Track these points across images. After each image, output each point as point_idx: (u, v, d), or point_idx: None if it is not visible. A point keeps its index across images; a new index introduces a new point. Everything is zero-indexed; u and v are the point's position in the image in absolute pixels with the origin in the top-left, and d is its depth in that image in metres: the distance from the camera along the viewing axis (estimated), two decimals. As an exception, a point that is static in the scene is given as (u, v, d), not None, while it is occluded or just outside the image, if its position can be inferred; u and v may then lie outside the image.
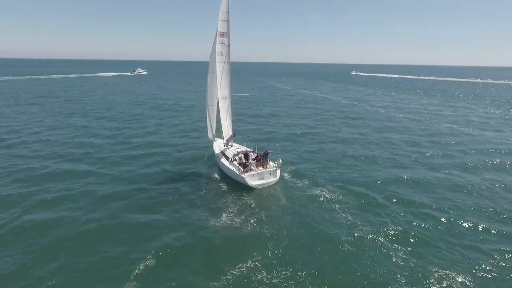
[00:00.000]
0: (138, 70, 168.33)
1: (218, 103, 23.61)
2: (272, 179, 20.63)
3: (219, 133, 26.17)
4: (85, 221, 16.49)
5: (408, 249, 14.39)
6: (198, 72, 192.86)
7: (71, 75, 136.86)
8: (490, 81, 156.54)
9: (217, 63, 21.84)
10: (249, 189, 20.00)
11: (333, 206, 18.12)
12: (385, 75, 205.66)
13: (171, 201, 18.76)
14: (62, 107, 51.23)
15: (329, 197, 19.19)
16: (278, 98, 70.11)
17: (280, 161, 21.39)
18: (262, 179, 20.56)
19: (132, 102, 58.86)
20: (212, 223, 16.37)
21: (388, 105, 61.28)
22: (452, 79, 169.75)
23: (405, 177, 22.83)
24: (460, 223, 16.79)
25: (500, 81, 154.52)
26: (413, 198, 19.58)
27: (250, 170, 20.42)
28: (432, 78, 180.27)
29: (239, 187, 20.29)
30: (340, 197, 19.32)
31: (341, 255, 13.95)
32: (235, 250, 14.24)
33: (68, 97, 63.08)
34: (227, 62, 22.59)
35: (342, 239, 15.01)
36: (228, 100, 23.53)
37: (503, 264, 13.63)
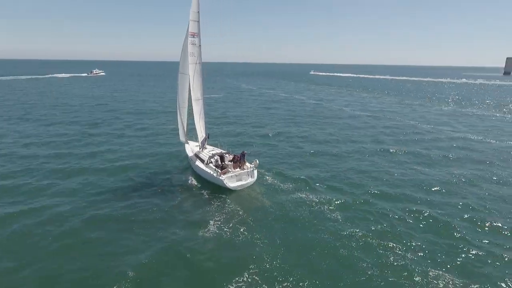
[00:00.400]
0: (96, 71, 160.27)
1: (189, 105, 23.17)
2: (250, 180, 20.59)
3: (190, 135, 25.63)
4: (44, 242, 14.51)
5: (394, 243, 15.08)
6: (162, 73, 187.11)
7: (21, 77, 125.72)
8: (443, 79, 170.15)
9: (189, 64, 21.31)
10: (227, 191, 19.78)
11: (317, 206, 18.29)
12: (341, 74, 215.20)
13: (146, 212, 17.45)
14: (11, 112, 46.86)
15: (311, 197, 19.37)
16: (245, 99, 70.20)
17: (257, 161, 21.40)
18: (240, 180, 20.44)
19: (91, 105, 55.50)
20: (200, 234, 15.32)
21: (351, 104, 64.00)
22: (405, 78, 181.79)
23: (376, 172, 24.01)
24: (448, 219, 17.29)
25: (452, 80, 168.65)
26: (383, 191, 20.62)
27: (227, 172, 20.21)
28: (388, 77, 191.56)
29: (217, 190, 19.96)
30: (321, 195, 19.67)
31: (340, 260, 13.70)
32: (229, 264, 13.34)
33: (17, 101, 57.90)
34: (199, 63, 22.16)
35: (338, 243, 14.72)
36: (201, 101, 23.10)
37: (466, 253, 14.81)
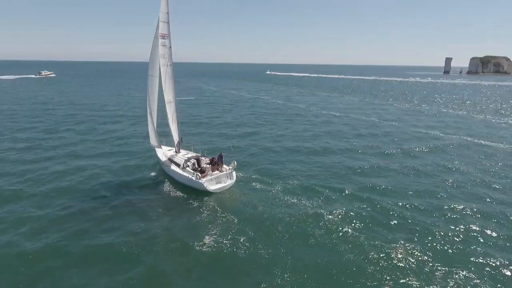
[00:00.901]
0: (45, 72, 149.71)
1: (158, 108, 22.56)
2: (229, 182, 20.50)
3: (161, 139, 24.79)
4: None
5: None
6: (120, 75, 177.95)
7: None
8: (394, 78, 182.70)
9: (161, 66, 20.67)
10: (206, 194, 19.52)
11: (297, 202, 18.84)
12: (294, 74, 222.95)
13: (124, 225, 16.24)
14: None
15: (290, 195, 19.79)
16: (211, 100, 69.36)
17: (235, 163, 21.38)
18: (220, 183, 20.29)
19: (43, 109, 51.33)
20: (197, 248, 14.41)
21: (316, 103, 66.16)
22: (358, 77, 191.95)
23: (349, 166, 25.23)
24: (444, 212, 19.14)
25: (404, 79, 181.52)
26: (357, 182, 21.77)
27: (207, 175, 19.97)
28: (342, 76, 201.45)
29: (195, 194, 19.57)
30: (299, 192, 20.21)
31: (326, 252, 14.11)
32: (239, 281, 12.61)
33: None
34: (170, 65, 21.58)
35: (349, 254, 14.16)
36: (173, 104, 22.51)
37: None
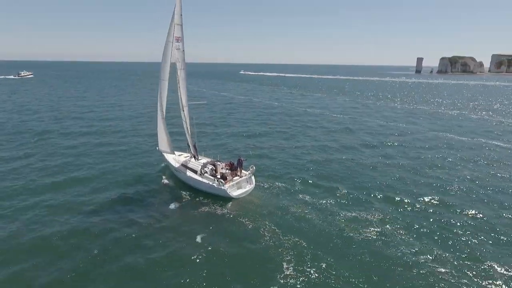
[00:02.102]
0: (24, 73, 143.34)
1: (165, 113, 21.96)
2: (250, 187, 20.19)
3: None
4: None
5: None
6: (101, 75, 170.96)
7: None
8: (355, 77, 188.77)
9: (177, 70, 20.08)
10: (226, 200, 19.11)
11: (319, 204, 18.89)
12: (267, 73, 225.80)
13: (152, 239, 15.50)
14: None
15: (310, 196, 19.89)
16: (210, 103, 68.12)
17: (254, 167, 21.08)
18: (240, 188, 19.95)
19: (27, 113, 48.37)
20: (237, 255, 14.16)
21: (310, 104, 66.68)
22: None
23: (335, 159, 25.57)
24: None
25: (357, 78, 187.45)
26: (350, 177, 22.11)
27: (229, 181, 19.57)
28: (315, 76, 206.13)
29: (215, 200, 19.12)
30: (317, 193, 20.34)
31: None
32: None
33: None
34: (183, 68, 20.99)
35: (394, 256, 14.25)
36: (187, 109, 21.91)
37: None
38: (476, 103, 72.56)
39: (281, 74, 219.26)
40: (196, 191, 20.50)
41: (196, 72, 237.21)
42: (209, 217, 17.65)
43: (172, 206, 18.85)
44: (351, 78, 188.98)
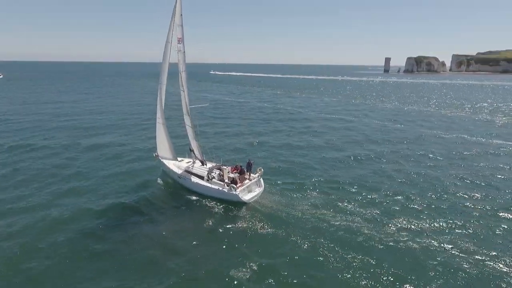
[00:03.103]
0: None
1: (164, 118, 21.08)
2: (259, 190, 19.68)
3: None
4: None
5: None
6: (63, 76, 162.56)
7: None
8: (350, 78, 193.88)
9: (180, 73, 19.23)
10: (238, 205, 18.46)
11: (332, 206, 18.73)
12: (234, 73, 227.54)
13: (169, 253, 14.74)
14: None
15: (322, 198, 19.71)
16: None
17: (262, 169, 20.58)
18: (251, 191, 19.40)
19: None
20: (260, 261, 13.57)
21: (297, 104, 67.04)
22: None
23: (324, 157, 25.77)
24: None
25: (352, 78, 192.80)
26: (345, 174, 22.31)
27: (240, 185, 18.95)
28: (288, 76, 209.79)
29: (225, 206, 18.41)
30: (326, 193, 20.23)
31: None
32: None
33: None
34: (185, 71, 20.17)
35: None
36: (187, 113, 21.05)
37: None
38: (466, 102, 76.29)
39: (247, 74, 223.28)
40: (203, 197, 19.65)
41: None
42: (220, 225, 16.79)
43: (180, 215, 17.89)
44: (320, 77, 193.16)
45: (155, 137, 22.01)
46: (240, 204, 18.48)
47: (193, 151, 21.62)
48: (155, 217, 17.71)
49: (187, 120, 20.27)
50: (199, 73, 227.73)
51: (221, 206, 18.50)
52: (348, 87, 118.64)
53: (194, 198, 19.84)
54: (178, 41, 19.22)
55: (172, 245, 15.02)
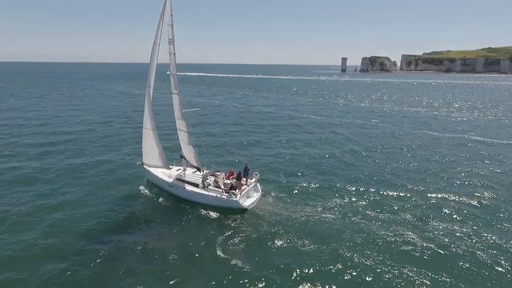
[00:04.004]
0: None
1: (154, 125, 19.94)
2: (257, 195, 19.36)
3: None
4: None
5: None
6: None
7: None
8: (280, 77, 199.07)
9: (171, 76, 18.22)
10: (238, 212, 18.01)
11: (330, 208, 18.97)
12: (187, 73, 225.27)
13: (171, 266, 14.14)
14: None
15: (316, 200, 19.90)
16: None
17: (258, 174, 20.28)
18: (249, 197, 19.02)
19: None
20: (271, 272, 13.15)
21: (271, 104, 67.23)
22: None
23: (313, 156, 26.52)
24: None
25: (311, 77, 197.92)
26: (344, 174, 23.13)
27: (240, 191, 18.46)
28: (255, 76, 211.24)
29: (223, 213, 17.86)
30: (327, 192, 20.50)
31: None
32: None
33: None
34: (176, 74, 19.19)
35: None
36: (181, 118, 20.06)
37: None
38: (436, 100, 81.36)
39: (200, 74, 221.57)
40: (198, 206, 18.87)
41: (118, 72, 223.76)
42: (221, 234, 16.19)
43: (176, 226, 16.99)
44: (268, 77, 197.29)
45: (135, 144, 20.67)
46: (239, 211, 18.03)
47: (184, 157, 20.65)
48: (147, 231, 16.61)
49: (180, 125, 19.28)
50: (157, 73, 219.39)
51: (218, 214, 17.90)
52: (313, 87, 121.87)
53: (187, 207, 19.01)
54: (169, 42, 18.19)
55: (172, 260, 14.17)
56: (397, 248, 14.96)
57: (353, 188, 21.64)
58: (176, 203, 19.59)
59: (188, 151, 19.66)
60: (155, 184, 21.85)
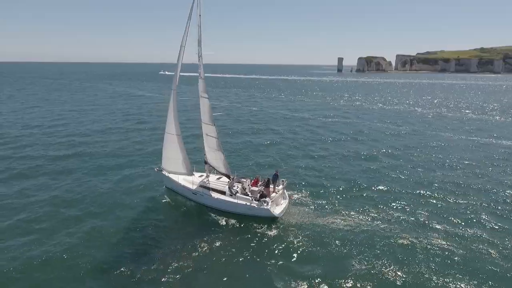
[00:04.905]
0: None
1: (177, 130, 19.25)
2: (286, 202, 18.77)
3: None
4: None
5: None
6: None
7: None
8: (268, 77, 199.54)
9: (199, 79, 17.54)
10: (267, 221, 17.41)
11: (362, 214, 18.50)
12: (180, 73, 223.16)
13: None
14: None
15: (350, 205, 19.40)
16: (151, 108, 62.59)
17: (286, 181, 19.71)
18: (278, 205, 18.43)
19: None
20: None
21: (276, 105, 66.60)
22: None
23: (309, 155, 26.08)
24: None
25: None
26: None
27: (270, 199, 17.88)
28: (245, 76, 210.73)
29: (251, 222, 17.24)
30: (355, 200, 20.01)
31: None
32: None
33: None
34: (203, 77, 18.49)
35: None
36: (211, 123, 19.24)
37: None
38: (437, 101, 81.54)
39: (192, 74, 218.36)
40: (224, 214, 18.24)
41: (118, 73, 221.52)
42: (251, 244, 15.60)
43: (205, 235, 16.25)
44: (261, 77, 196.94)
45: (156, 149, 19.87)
46: (268, 219, 17.44)
47: (208, 163, 19.97)
48: (175, 240, 15.95)
49: (208, 130, 18.51)
50: (147, 74, 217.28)
51: (246, 223, 17.29)
52: (317, 87, 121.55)
53: (213, 215, 18.36)
54: (198, 44, 17.48)
55: (203, 271, 13.57)
56: (445, 264, 14.47)
57: (385, 198, 20.75)
58: (201, 211, 18.93)
59: (216, 157, 18.96)
60: (173, 190, 21.14)
